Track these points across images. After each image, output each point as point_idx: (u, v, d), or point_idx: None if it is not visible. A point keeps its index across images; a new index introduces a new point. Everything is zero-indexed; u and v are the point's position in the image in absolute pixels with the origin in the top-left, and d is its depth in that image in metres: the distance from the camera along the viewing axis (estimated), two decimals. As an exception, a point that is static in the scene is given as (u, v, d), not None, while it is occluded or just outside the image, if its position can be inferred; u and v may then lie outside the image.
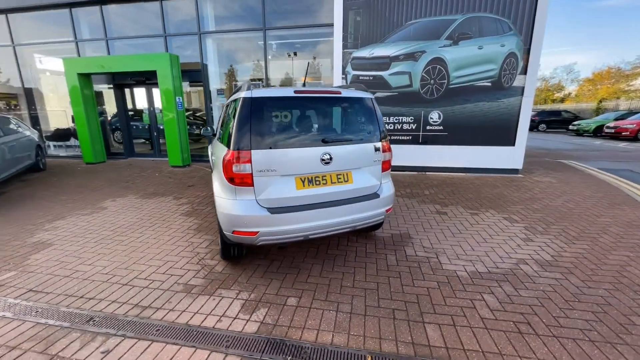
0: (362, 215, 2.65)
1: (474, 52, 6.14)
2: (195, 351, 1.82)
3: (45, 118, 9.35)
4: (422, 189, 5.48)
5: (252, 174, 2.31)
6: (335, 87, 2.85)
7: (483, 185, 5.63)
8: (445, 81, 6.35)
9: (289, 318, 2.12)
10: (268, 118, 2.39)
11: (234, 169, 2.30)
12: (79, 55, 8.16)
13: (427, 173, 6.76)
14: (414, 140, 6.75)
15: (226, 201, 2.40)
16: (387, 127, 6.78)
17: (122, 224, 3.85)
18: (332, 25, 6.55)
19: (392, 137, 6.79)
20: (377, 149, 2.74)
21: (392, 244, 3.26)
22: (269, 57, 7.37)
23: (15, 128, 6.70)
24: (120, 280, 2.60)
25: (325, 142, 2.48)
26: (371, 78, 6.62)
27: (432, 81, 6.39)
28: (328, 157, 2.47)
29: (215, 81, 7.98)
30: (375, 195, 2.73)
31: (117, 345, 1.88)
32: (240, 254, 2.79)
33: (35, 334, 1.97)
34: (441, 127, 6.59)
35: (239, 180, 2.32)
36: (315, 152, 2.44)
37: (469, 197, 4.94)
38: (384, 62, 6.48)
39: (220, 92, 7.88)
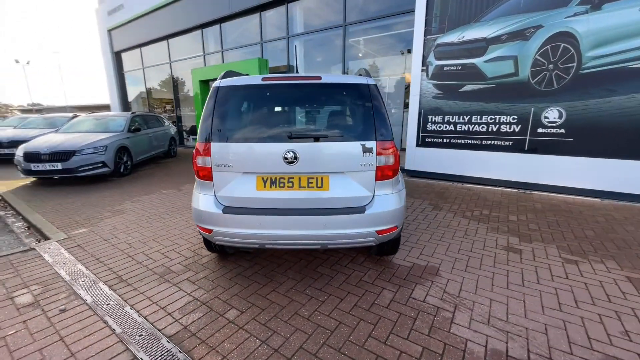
0: (339, 233, 2.09)
1: (631, 18, 4.04)
2: (107, 334, 1.83)
3: (188, 117, 12.07)
4: (510, 212, 4.04)
5: (211, 168, 2.17)
6: (341, 75, 2.33)
7: (623, 222, 3.65)
8: (574, 64, 4.45)
9: (210, 332, 1.87)
10: (233, 109, 2.18)
11: (197, 161, 2.21)
12: (205, 66, 10.12)
13: (532, 192, 4.97)
14: (516, 147, 5.07)
15: (194, 194, 2.35)
16: (473, 128, 5.37)
17: (177, 205, 4.46)
18: (413, 11, 5.66)
19: (482, 142, 5.32)
20: (366, 150, 2.09)
21: (403, 278, 2.47)
22: (347, 54, 7.08)
23: (158, 124, 8.91)
24: (131, 252, 2.97)
25: (291, 137, 2.07)
26: (459, 68, 5.37)
27: (550, 66, 4.61)
28: (292, 155, 2.05)
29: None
30: (358, 210, 2.10)
31: (74, 307, 2.10)
32: (221, 248, 2.70)
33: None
34: (562, 131, 4.69)
35: (201, 174, 2.22)
36: (277, 149, 2.06)
37: (583, 235, 3.29)
38: (478, 47, 5.12)
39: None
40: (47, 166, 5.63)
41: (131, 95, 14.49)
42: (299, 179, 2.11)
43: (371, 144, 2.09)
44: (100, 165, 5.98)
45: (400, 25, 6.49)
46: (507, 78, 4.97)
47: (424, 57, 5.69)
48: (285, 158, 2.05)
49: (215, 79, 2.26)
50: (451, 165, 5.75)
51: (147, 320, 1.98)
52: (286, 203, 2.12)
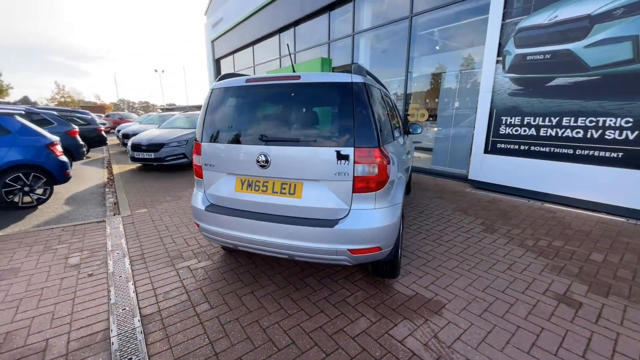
0: (304, 245, 1.92)
1: None
2: (104, 302, 2.14)
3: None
4: (596, 249, 3.02)
5: (201, 166, 2.28)
6: (345, 73, 2.12)
7: None
8: None
9: (174, 321, 1.98)
10: (221, 110, 2.22)
11: (194, 159, 2.37)
12: (279, 67, 10.82)
13: (649, 224, 3.58)
14: (628, 161, 3.73)
15: (194, 190, 2.53)
16: (564, 133, 4.18)
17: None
18: (491, -9, 4.73)
19: (576, 152, 4.10)
20: (342, 158, 1.84)
21: (393, 308, 2.11)
22: (414, 48, 6.45)
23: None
24: (164, 234, 3.41)
25: (263, 140, 1.99)
26: (547, 57, 4.25)
27: (696, 47, 3.19)
28: (263, 159, 1.97)
29: (363, 80, 8.03)
30: (327, 223, 1.88)
31: (97, 274, 2.55)
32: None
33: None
34: None
35: (195, 172, 2.37)
36: (252, 151, 2.02)
37: None
38: (578, 27, 3.94)
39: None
40: (145, 155, 7.01)
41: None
42: (273, 183, 2.03)
43: (348, 150, 1.84)
44: (181, 156, 7.09)
45: (473, 12, 5.52)
46: (619, 67, 3.68)
47: (501, 46, 4.71)
48: (258, 161, 2.00)
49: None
50: (528, 178, 4.64)
51: (136, 296, 2.24)
52: (260, 207, 2.08)
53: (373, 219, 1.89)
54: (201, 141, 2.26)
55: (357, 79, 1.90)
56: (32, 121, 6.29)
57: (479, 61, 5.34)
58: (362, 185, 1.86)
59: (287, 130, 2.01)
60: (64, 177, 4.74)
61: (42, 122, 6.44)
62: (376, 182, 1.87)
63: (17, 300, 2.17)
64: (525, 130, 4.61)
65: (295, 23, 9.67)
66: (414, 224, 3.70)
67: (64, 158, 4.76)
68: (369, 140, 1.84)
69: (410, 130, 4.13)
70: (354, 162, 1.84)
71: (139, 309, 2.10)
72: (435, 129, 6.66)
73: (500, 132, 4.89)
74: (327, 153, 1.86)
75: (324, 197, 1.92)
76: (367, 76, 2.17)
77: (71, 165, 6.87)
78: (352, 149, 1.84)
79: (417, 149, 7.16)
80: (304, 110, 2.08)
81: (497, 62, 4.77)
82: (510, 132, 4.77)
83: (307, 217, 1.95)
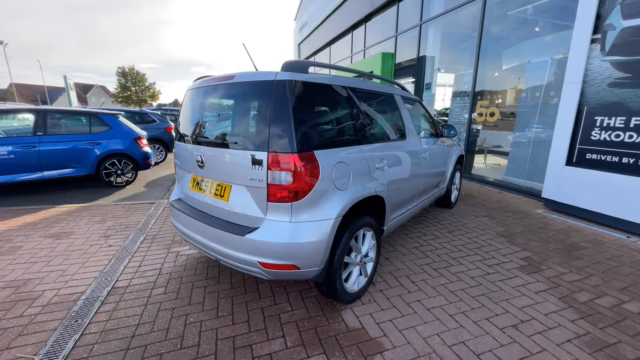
0: (223, 251, 1.87)
1: None
2: (100, 269, 2.59)
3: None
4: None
5: (175, 162, 2.49)
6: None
7: None
8: None
9: (127, 298, 2.24)
10: (184, 111, 2.34)
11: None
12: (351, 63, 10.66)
13: None
14: None
15: None
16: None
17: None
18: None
19: None
20: (256, 162, 1.68)
21: (321, 337, 1.84)
22: (486, 34, 5.33)
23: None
24: (186, 220, 3.88)
25: (197, 141, 2.02)
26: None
27: None
28: (199, 159, 2.00)
29: (428, 74, 7.13)
30: (238, 231, 1.77)
31: (113, 246, 3.10)
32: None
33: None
34: None
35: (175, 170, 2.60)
36: (193, 151, 2.08)
37: None
38: None
39: (427, 86, 6.98)
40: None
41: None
42: (211, 183, 2.05)
43: (262, 155, 1.68)
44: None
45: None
46: None
47: (599, 19, 3.42)
48: (197, 161, 2.04)
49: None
50: (630, 205, 3.27)
51: (122, 270, 2.63)
52: (201, 206, 2.13)
53: (285, 233, 1.69)
54: (177, 140, 2.47)
55: (282, 76, 1.70)
56: (142, 119, 8.09)
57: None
58: (277, 195, 1.68)
59: (216, 132, 2.00)
60: (146, 165, 5.94)
61: (148, 120, 8.22)
62: (293, 193, 1.66)
63: (52, 257, 2.86)
64: (631, 136, 3.23)
65: (367, 18, 9.33)
66: (425, 245, 3.12)
67: (147, 149, 5.96)
68: (286, 145, 1.64)
69: (444, 132, 3.48)
70: (267, 168, 1.67)
71: (115, 281, 2.47)
72: (511, 133, 5.37)
73: (592, 137, 3.57)
74: (244, 157, 1.75)
75: (247, 203, 1.82)
76: (311, 73, 1.93)
77: (166, 156, 8.51)
78: (266, 153, 1.67)
79: (494, 153, 5.98)
80: (234, 111, 2.01)
81: (593, 41, 3.48)
82: (608, 138, 3.43)
83: (232, 221, 1.89)
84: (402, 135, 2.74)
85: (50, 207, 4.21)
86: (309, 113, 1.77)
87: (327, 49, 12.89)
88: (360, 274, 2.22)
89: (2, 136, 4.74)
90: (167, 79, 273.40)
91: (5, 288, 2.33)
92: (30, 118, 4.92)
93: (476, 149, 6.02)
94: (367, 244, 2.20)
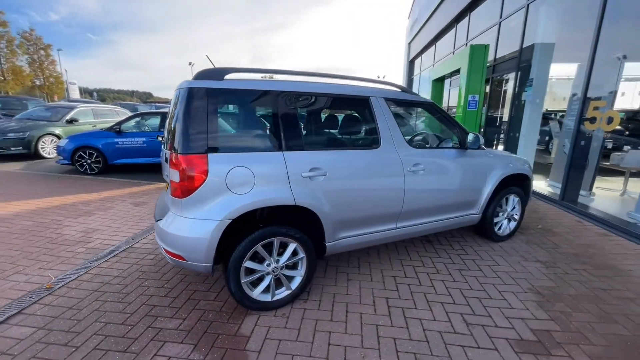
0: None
1: None
2: (129, 235, 3.48)
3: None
4: None
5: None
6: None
7: None
8: None
9: (101, 273, 2.94)
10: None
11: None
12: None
13: None
14: None
15: None
16: None
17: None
18: None
19: None
20: (167, 160, 1.93)
21: (208, 331, 1.93)
22: (609, 10, 3.67)
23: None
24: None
25: (162, 142, 2.41)
26: None
27: None
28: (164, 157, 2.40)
29: (535, 68, 5.46)
30: (159, 217, 2.07)
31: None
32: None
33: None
34: None
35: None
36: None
37: None
38: None
39: (528, 83, 5.35)
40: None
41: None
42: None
43: (168, 154, 1.92)
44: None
45: None
46: None
47: None
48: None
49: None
50: None
51: (143, 241, 3.43)
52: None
53: (176, 226, 1.88)
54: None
55: (184, 84, 1.92)
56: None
57: None
58: (172, 191, 1.89)
59: (168, 134, 2.34)
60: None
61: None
62: (180, 190, 1.82)
63: (122, 217, 3.99)
64: None
65: (470, 6, 7.98)
66: (410, 278, 2.59)
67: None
68: (179, 146, 1.82)
69: (467, 144, 2.80)
70: (171, 166, 1.89)
71: (131, 246, 3.24)
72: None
73: None
74: (167, 155, 2.05)
75: (168, 196, 2.11)
76: (230, 79, 1.99)
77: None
78: (170, 152, 1.90)
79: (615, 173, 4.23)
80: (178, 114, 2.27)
81: None
82: None
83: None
84: (373, 143, 2.38)
85: (152, 184, 5.78)
86: (207, 118, 1.87)
87: (433, 47, 11.71)
88: (283, 286, 2.15)
89: (146, 130, 6.80)
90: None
91: (79, 232, 3.47)
92: (157, 118, 6.88)
93: (586, 163, 4.29)
94: (287, 255, 2.09)
